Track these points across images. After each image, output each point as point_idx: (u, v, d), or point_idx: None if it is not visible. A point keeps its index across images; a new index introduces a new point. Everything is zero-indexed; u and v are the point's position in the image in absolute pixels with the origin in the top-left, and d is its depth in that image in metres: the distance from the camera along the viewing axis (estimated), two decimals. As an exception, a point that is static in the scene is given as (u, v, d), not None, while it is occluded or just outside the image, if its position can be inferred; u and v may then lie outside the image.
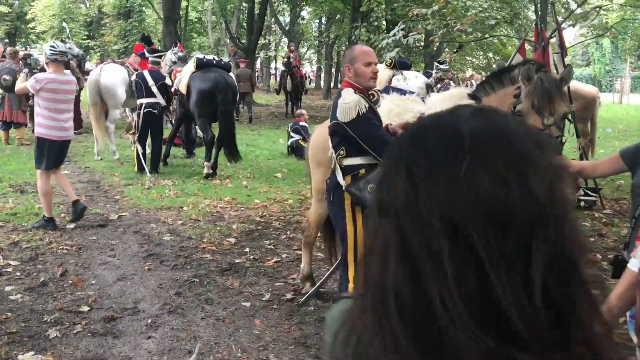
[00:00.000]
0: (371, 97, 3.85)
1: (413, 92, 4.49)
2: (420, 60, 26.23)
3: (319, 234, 5.04)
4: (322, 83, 43.50)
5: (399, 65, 8.65)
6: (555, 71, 7.94)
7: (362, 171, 3.59)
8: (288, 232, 6.84)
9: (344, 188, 3.61)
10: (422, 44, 13.61)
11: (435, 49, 24.19)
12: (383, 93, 4.23)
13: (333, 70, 37.53)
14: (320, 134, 4.61)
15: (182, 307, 4.75)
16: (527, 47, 8.88)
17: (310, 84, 39.11)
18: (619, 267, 3.36)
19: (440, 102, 3.96)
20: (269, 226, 7.09)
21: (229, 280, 5.33)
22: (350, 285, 3.72)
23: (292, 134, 12.27)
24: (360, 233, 3.66)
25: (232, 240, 6.47)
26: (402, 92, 4.42)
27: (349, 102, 3.49)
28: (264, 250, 6.18)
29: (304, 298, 4.55)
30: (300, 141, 12.09)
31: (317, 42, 36.79)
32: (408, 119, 4.05)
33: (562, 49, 8.25)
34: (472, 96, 3.88)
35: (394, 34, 8.84)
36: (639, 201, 3.20)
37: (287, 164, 11.39)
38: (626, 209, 8.32)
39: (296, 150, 12.04)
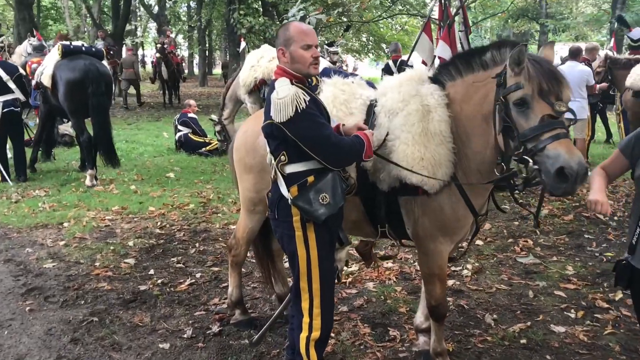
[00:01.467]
0: (310, 83, 3.12)
1: (356, 75, 3.76)
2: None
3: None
4: (195, 69, 41.76)
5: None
6: (462, 50, 7.65)
7: (311, 178, 2.87)
8: (197, 245, 5.92)
9: (289, 201, 2.87)
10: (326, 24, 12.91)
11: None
12: (324, 77, 3.49)
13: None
14: (246, 132, 3.79)
15: (82, 358, 3.76)
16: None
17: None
18: (624, 273, 2.94)
19: (397, 86, 3.28)
20: (173, 239, 6.11)
21: (137, 315, 4.37)
22: (305, 319, 2.98)
23: (179, 127, 11.16)
24: (314, 256, 2.93)
25: (131, 261, 5.45)
26: (345, 74, 3.70)
27: (284, 97, 2.74)
28: (172, 271, 5.23)
29: (257, 337, 3.73)
30: (190, 134, 11.03)
31: (188, 26, 34.92)
32: (357, 107, 3.36)
33: (466, 27, 7.99)
34: (433, 80, 3.26)
35: (293, 15, 8.09)
36: None
37: (177, 161, 10.30)
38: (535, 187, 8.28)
39: (185, 145, 10.98)
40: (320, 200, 2.82)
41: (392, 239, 3.49)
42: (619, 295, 4.57)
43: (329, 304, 3.04)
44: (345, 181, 2.98)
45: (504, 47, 2.92)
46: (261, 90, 8.11)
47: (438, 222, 3.15)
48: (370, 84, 3.65)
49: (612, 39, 15.04)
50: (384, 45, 30.57)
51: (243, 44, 17.05)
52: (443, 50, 7.41)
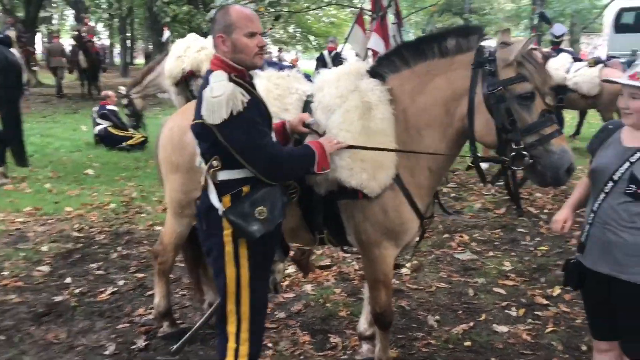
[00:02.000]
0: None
1: (292, 66, 3.48)
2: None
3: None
4: (116, 59, 40.03)
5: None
6: (394, 43, 7.53)
7: (246, 188, 2.53)
8: (119, 249, 5.47)
9: (220, 213, 2.53)
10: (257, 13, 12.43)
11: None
12: (256, 69, 3.20)
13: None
14: (172, 128, 3.45)
15: (-14, 385, 3.33)
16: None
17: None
18: (573, 273, 2.84)
19: (334, 81, 3.03)
20: (92, 242, 5.63)
21: (51, 330, 3.93)
22: (231, 344, 2.63)
23: (98, 120, 10.47)
24: (245, 275, 2.57)
25: (45, 268, 4.95)
26: (280, 66, 3.42)
27: (219, 96, 2.37)
28: (92, 279, 4.78)
29: (176, 346, 3.37)
30: (110, 128, 10.38)
31: (108, 14, 33.39)
32: (292, 102, 3.09)
33: (399, 19, 7.86)
34: (372, 73, 3.03)
35: (221, 4, 7.69)
36: (598, 189, 2.66)
37: (97, 157, 9.66)
38: (465, 179, 8.32)
39: (106, 139, 10.33)
40: (257, 215, 2.48)
41: (332, 246, 3.26)
42: (557, 290, 4.56)
43: (259, 329, 2.71)
44: (287, 193, 2.68)
45: (473, 34, 2.79)
46: (189, 82, 7.69)
47: (382, 226, 2.93)
48: (308, 77, 3.39)
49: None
50: (311, 37, 30.45)
51: (167, 33, 16.41)
52: (376, 43, 7.24)
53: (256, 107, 2.51)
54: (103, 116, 10.45)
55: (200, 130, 2.50)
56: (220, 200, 2.50)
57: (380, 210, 2.90)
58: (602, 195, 2.61)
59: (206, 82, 2.50)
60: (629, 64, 14.51)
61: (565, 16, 16.78)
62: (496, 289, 4.63)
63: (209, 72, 2.55)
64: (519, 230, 6.15)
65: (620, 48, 19.65)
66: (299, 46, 32.40)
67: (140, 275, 4.86)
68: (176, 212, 3.51)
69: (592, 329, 2.88)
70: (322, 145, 2.65)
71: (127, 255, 5.32)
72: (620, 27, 25.42)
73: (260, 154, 2.45)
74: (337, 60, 9.28)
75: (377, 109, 2.84)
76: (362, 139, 2.80)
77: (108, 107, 10.61)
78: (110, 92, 11.31)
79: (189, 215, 3.47)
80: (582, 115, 11.48)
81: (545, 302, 4.40)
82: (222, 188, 2.51)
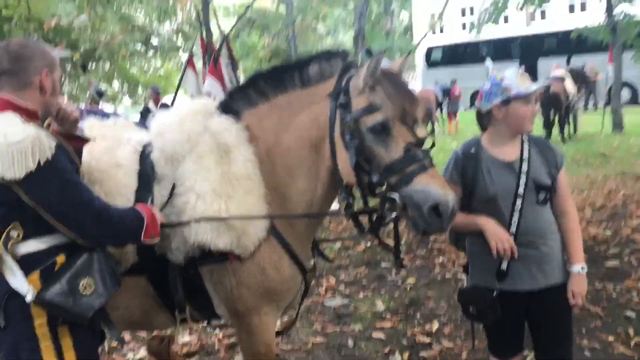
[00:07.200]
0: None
1: (117, 114, 2.86)
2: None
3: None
4: None
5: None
6: (231, 85, 7.18)
7: (60, 258, 1.98)
8: None
9: (28, 299, 1.90)
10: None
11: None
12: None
13: None
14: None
15: None
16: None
17: None
18: (496, 305, 2.63)
19: (177, 124, 2.50)
20: None
21: None
22: None
23: None
24: None
25: None
26: (104, 114, 2.81)
27: (19, 142, 1.83)
28: None
29: None
30: None
31: None
32: (125, 155, 2.49)
33: (233, 61, 7.53)
34: (224, 109, 2.56)
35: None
36: (507, 212, 2.56)
37: None
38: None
39: None
40: (81, 290, 1.96)
41: (195, 323, 2.69)
42: (435, 325, 4.35)
43: None
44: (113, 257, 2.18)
45: (335, 58, 2.40)
46: None
47: (260, 288, 2.44)
48: (141, 123, 2.83)
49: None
50: (139, 91, 29.11)
51: None
52: (212, 86, 6.84)
53: (65, 156, 2.00)
54: None
55: None
56: (27, 280, 1.91)
57: (258, 270, 2.41)
58: (515, 216, 2.51)
59: None
60: (444, 91, 16.25)
61: (387, 55, 17.89)
62: (375, 334, 4.31)
63: None
64: (383, 265, 5.96)
65: (432, 81, 21.48)
66: (128, 99, 30.86)
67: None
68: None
69: (506, 348, 2.74)
70: (151, 211, 2.18)
71: None
72: (431, 63, 27.92)
73: (85, 209, 1.95)
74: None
75: (237, 151, 2.38)
76: (224, 188, 2.32)
77: None
78: None
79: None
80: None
81: (427, 340, 4.15)
82: (27, 264, 1.93)
